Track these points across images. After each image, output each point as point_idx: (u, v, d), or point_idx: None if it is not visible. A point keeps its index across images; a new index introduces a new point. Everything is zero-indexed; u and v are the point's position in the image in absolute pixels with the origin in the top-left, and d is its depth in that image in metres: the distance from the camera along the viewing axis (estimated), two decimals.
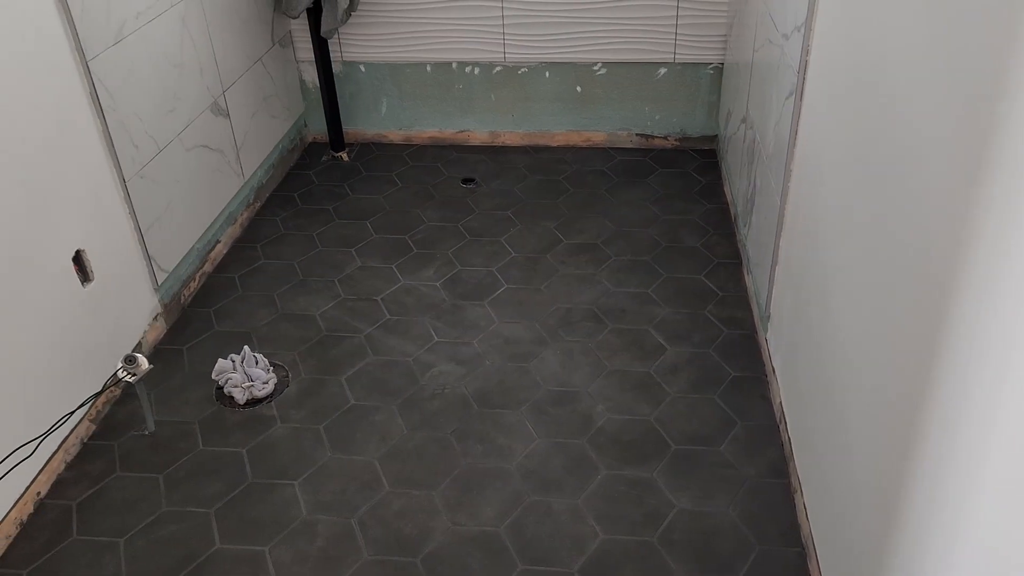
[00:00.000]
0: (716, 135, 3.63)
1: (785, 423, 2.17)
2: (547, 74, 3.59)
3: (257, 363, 2.46)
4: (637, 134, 3.68)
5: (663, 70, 3.52)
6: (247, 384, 2.39)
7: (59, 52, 2.14)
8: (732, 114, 3.19)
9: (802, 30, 2.06)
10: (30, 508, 2.07)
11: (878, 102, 1.54)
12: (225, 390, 2.40)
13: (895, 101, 1.45)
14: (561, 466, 2.16)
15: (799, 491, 1.99)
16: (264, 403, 2.38)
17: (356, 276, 2.92)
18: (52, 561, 1.96)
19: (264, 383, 2.40)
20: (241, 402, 2.37)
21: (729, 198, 3.24)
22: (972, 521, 1.09)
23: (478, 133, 3.76)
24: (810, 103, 2.03)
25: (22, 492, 2.03)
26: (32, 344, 2.06)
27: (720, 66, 3.48)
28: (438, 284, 2.87)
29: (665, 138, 3.68)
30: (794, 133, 2.14)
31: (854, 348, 1.61)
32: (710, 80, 3.52)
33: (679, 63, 3.49)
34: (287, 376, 2.48)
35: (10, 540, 2.00)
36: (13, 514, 2.00)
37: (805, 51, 2.04)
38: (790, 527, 1.97)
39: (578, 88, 3.60)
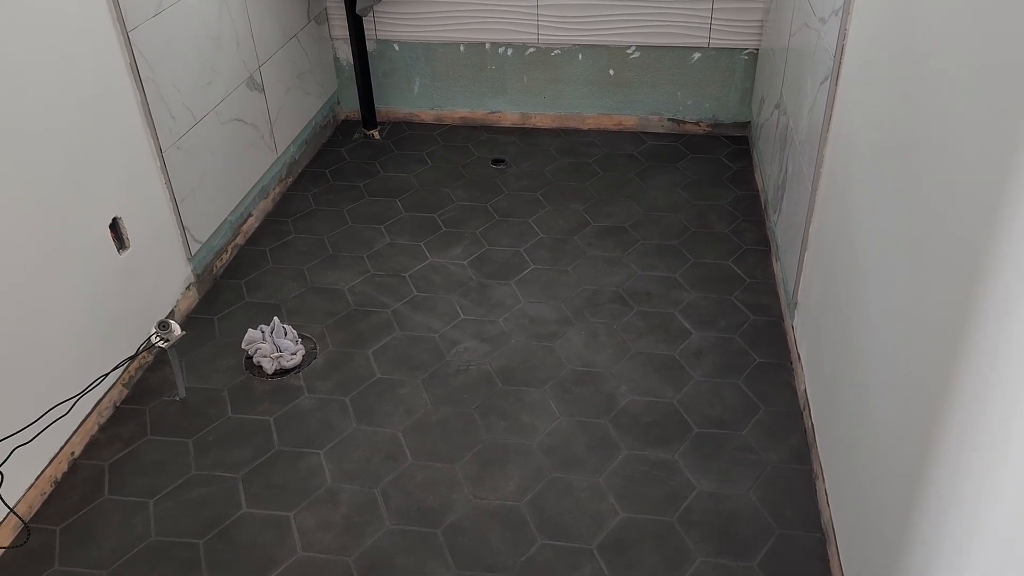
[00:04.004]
0: (748, 121, 3.60)
1: (809, 410, 2.17)
2: (580, 56, 3.58)
3: (286, 334, 2.50)
4: (669, 119, 3.66)
5: (697, 55, 3.49)
6: (276, 354, 2.43)
7: (100, 22, 2.18)
8: (765, 100, 3.16)
9: (840, 14, 2.04)
10: (64, 467, 2.12)
11: (916, 87, 1.52)
12: (254, 360, 2.45)
13: (934, 87, 1.43)
14: (583, 444, 2.17)
15: (821, 478, 1.99)
16: (292, 374, 2.42)
17: (385, 252, 2.95)
18: (84, 518, 2.01)
19: (292, 354, 2.44)
20: (269, 372, 2.41)
21: (760, 185, 3.22)
22: (992, 513, 1.09)
23: (509, 114, 3.76)
24: (845, 88, 2.01)
25: (57, 451, 2.09)
26: (69, 308, 2.11)
27: (755, 52, 3.45)
28: (465, 263, 2.89)
29: (697, 124, 3.66)
30: (828, 118, 2.12)
31: (882, 337, 1.60)
32: (744, 66, 3.48)
33: (714, 48, 3.47)
34: (315, 348, 2.52)
35: (45, 497, 2.06)
36: (48, 472, 2.06)
37: (842, 35, 2.02)
38: (811, 512, 1.97)
39: (611, 71, 3.59)
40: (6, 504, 1.89)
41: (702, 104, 3.61)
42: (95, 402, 2.23)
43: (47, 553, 1.93)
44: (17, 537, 1.96)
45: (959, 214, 1.27)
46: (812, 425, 2.12)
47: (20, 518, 1.95)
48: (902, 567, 1.40)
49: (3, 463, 1.86)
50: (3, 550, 1.92)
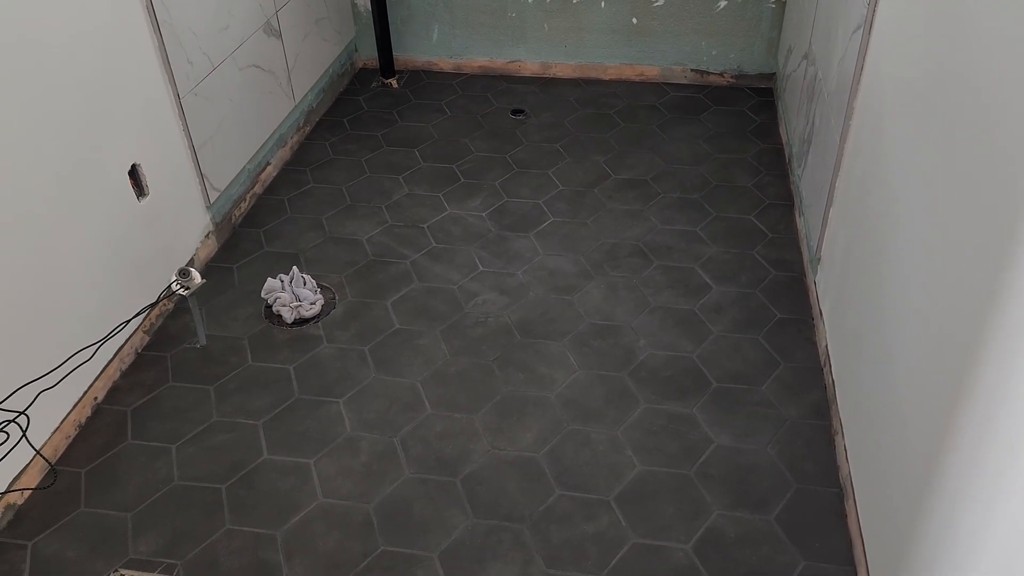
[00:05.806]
0: (774, 73, 3.52)
1: (830, 366, 2.16)
2: (602, 4, 3.50)
3: (305, 284, 2.50)
4: (692, 70, 3.59)
5: (723, 3, 3.40)
6: (295, 304, 2.43)
7: None
8: (793, 50, 3.09)
9: None
10: (88, 412, 2.15)
11: (954, 37, 1.47)
12: (274, 309, 2.45)
13: (974, 36, 1.38)
14: (601, 397, 2.17)
15: (840, 433, 1.99)
16: (311, 323, 2.43)
17: (403, 203, 2.93)
18: (109, 462, 2.05)
19: (311, 303, 2.44)
20: (289, 321, 2.42)
21: (784, 138, 3.16)
22: (1019, 472, 1.08)
23: (529, 63, 3.70)
24: (879, 37, 1.95)
25: (80, 396, 2.12)
26: (90, 255, 2.12)
27: (783, 0, 3.35)
28: (484, 214, 2.86)
29: (721, 75, 3.58)
30: (860, 69, 2.06)
31: (908, 294, 1.58)
32: (772, 15, 3.40)
33: None
34: (334, 298, 2.52)
35: (70, 440, 2.09)
36: (73, 416, 2.09)
37: None
38: (829, 468, 1.97)
39: (634, 20, 3.51)
40: (32, 446, 1.92)
41: (727, 54, 3.53)
42: (117, 348, 2.25)
43: (73, 495, 1.97)
44: (44, 479, 1.99)
45: (996, 169, 1.23)
46: (832, 381, 2.11)
47: (47, 460, 1.99)
48: (923, 524, 1.40)
49: (29, 407, 1.88)
50: (31, 491, 1.95)
